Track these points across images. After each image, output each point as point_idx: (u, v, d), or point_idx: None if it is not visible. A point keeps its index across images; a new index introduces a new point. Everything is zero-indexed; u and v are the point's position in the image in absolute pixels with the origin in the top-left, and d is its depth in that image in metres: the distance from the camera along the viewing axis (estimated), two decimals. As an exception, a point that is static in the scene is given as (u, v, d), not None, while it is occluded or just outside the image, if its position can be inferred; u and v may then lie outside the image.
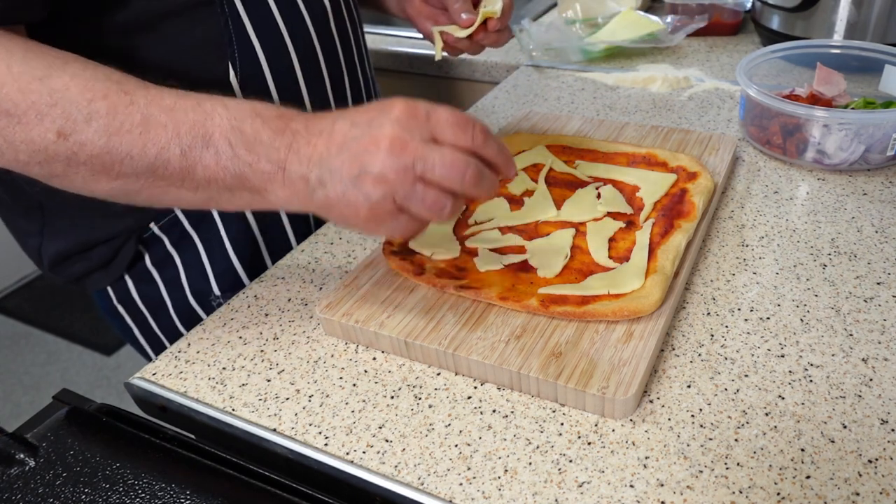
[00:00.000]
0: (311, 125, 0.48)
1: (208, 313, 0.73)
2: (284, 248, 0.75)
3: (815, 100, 0.78)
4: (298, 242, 0.76)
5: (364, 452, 0.47)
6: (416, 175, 0.46)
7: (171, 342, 0.76)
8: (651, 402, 0.48)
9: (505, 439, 0.46)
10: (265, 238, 0.75)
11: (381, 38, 1.23)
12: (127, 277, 0.73)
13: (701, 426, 0.46)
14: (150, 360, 0.80)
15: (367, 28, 0.91)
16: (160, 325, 0.77)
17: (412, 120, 0.47)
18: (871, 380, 0.48)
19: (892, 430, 0.45)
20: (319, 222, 0.80)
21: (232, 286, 0.74)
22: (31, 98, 0.47)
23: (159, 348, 0.79)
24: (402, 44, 1.20)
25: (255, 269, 0.74)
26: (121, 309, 0.76)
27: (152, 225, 0.71)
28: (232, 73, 0.65)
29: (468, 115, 0.49)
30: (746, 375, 0.49)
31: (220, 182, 0.48)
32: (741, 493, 0.42)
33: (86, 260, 0.72)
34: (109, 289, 0.74)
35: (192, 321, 0.75)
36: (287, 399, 0.51)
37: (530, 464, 0.45)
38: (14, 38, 0.49)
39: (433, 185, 0.47)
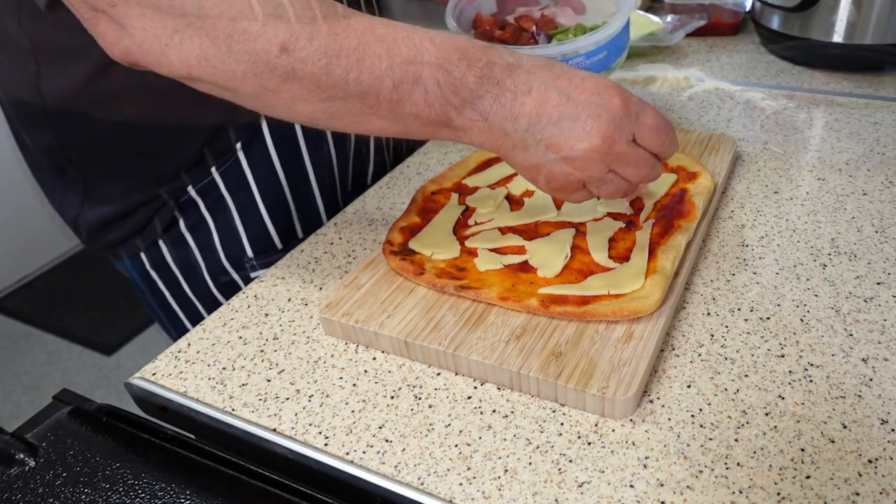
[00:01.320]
0: (516, 76, 0.50)
1: (241, 275, 0.78)
2: (314, 213, 0.79)
3: (541, 23, 0.76)
4: (326, 209, 0.81)
5: (364, 452, 0.47)
6: (611, 168, 0.52)
7: (205, 308, 0.80)
8: (651, 402, 0.48)
9: (505, 439, 0.46)
10: (297, 204, 0.78)
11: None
12: (161, 242, 0.76)
13: (701, 426, 0.46)
14: (180, 331, 0.83)
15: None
16: (194, 290, 0.80)
17: (625, 119, 0.50)
18: (871, 380, 0.48)
19: (892, 430, 0.45)
20: (346, 194, 0.84)
21: (265, 249, 0.77)
22: (258, 8, 0.47)
23: (192, 313, 0.82)
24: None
25: (287, 234, 0.77)
26: (154, 274, 0.79)
27: (190, 188, 0.73)
28: None
29: (668, 122, 0.53)
30: (746, 375, 0.49)
31: (424, 118, 0.50)
32: (741, 493, 0.42)
33: (123, 226, 0.74)
34: (143, 255, 0.77)
35: (225, 284, 0.79)
36: (287, 399, 0.51)
37: (530, 464, 0.45)
38: None
39: (619, 177, 0.53)
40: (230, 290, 0.79)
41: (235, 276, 0.78)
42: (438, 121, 0.50)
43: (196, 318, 0.82)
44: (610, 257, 0.58)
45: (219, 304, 0.79)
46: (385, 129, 0.52)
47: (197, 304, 0.81)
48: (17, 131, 0.74)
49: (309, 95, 0.49)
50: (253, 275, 0.77)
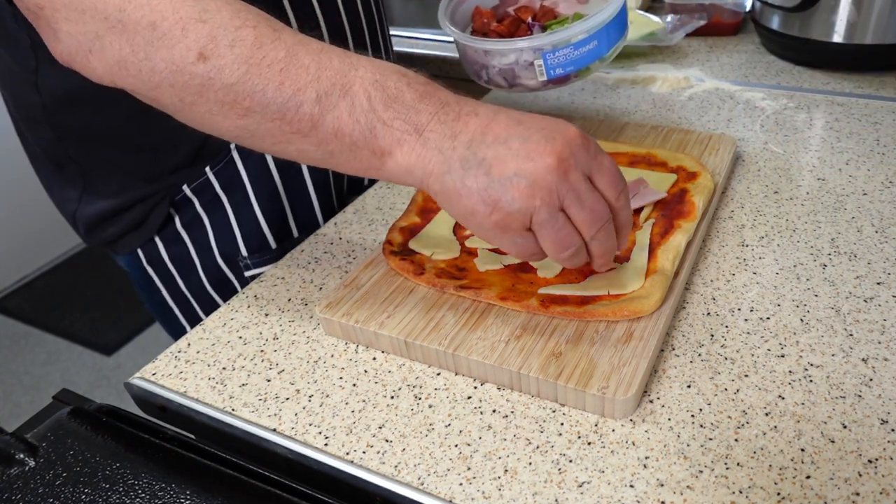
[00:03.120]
0: (462, 102, 0.46)
1: (236, 274, 0.78)
2: (308, 212, 0.79)
3: (541, 14, 0.76)
4: (322, 210, 0.80)
5: (364, 452, 0.47)
6: (562, 204, 0.44)
7: (200, 303, 0.81)
8: (651, 402, 0.48)
9: (505, 439, 0.46)
10: (291, 203, 0.77)
11: (381, 38, 1.23)
12: (157, 239, 0.76)
13: (701, 426, 0.46)
14: (177, 327, 0.84)
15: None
16: (189, 286, 0.80)
17: (583, 149, 0.45)
18: (871, 380, 0.48)
19: (892, 430, 0.45)
20: (341, 193, 0.84)
21: (259, 248, 0.77)
22: (182, 13, 0.44)
23: (188, 310, 0.82)
24: (402, 44, 1.20)
25: (281, 232, 0.77)
26: (151, 271, 0.79)
27: (185, 187, 0.73)
28: None
29: (624, 178, 0.48)
30: (746, 375, 0.49)
31: (346, 136, 0.45)
32: (741, 493, 0.42)
33: (119, 222, 0.74)
34: (140, 251, 0.77)
35: (220, 281, 0.79)
36: (287, 399, 0.51)
37: (530, 464, 0.45)
38: None
39: (570, 223, 0.45)
40: (225, 287, 0.79)
41: (230, 275, 0.79)
42: (361, 140, 0.45)
43: (192, 315, 0.82)
44: (610, 257, 0.58)
45: (214, 302, 0.79)
46: (308, 153, 0.47)
47: (192, 301, 0.81)
48: (19, 127, 0.75)
49: (226, 111, 0.46)
50: (247, 273, 0.78)
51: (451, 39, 0.78)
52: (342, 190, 0.84)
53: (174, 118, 0.67)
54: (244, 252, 0.77)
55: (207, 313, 0.78)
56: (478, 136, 0.44)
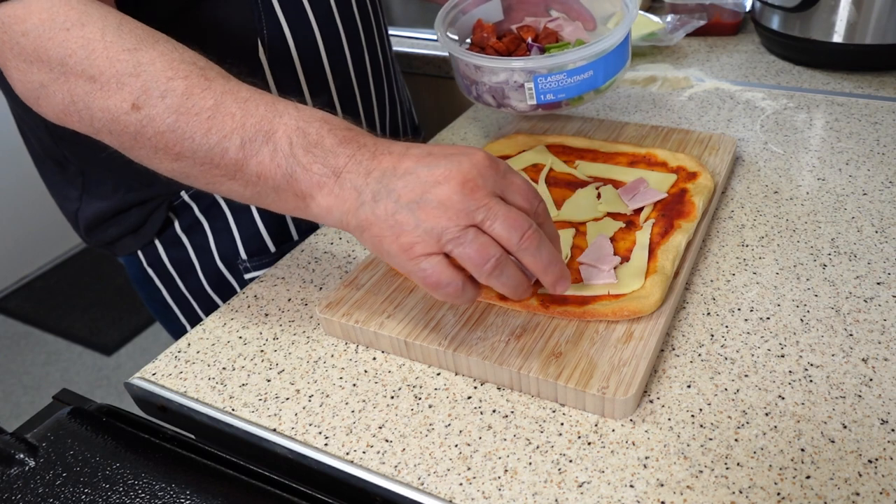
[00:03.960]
0: (380, 143, 0.48)
1: (236, 276, 0.79)
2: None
3: (543, 36, 0.76)
4: None
5: (364, 452, 0.47)
6: (474, 222, 0.44)
7: (200, 304, 0.81)
8: (651, 402, 0.48)
9: (505, 439, 0.46)
10: None
11: (381, 38, 1.23)
12: (157, 242, 0.77)
13: (701, 426, 0.46)
14: (176, 326, 0.84)
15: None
16: (189, 287, 0.80)
17: (490, 169, 0.45)
18: (871, 380, 0.48)
19: (892, 430, 0.45)
20: None
21: (258, 251, 0.77)
22: (117, 67, 0.48)
23: (188, 310, 0.83)
24: (402, 44, 1.20)
25: (281, 236, 0.78)
26: (151, 272, 0.80)
27: (182, 192, 0.74)
28: (261, 48, 0.69)
29: (536, 191, 0.48)
30: (746, 375, 0.49)
31: (269, 180, 0.47)
32: (741, 493, 0.42)
33: (119, 224, 0.75)
34: (140, 253, 0.78)
35: (220, 284, 0.79)
36: (287, 399, 0.51)
37: (530, 464, 0.45)
38: (111, 10, 0.51)
39: (485, 235, 0.44)
40: (225, 290, 0.79)
41: (230, 277, 0.79)
42: (283, 184, 0.47)
43: (193, 316, 0.82)
44: (610, 257, 0.58)
45: (214, 304, 0.80)
46: (239, 194, 0.50)
47: (193, 302, 0.81)
48: (23, 128, 0.75)
49: (160, 154, 0.49)
50: (247, 276, 0.78)
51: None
52: None
53: None
54: (243, 256, 0.77)
55: (207, 313, 0.78)
56: (389, 170, 0.46)
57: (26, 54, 0.49)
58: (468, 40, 0.78)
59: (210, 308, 0.80)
